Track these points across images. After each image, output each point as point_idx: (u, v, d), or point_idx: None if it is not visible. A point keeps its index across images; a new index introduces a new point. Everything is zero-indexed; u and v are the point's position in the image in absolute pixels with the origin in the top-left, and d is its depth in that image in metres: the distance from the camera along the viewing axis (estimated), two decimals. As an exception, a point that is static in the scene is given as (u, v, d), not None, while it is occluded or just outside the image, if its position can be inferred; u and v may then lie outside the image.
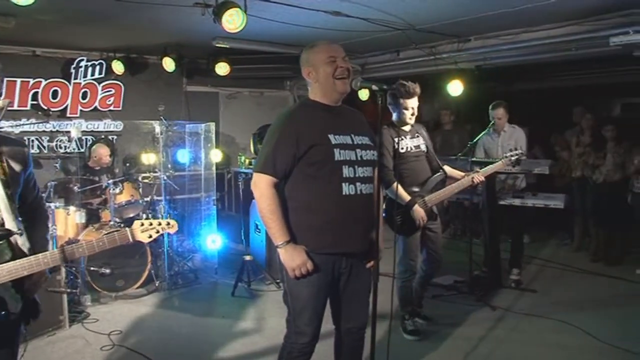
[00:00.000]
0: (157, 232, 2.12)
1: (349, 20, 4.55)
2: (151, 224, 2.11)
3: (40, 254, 1.90)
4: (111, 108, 6.74)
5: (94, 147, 5.63)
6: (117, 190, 5.02)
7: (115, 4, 3.95)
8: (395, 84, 3.66)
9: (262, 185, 2.29)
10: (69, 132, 5.83)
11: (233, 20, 3.88)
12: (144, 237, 2.10)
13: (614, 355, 3.56)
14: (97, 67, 6.54)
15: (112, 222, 4.85)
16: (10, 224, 1.89)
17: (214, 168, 5.96)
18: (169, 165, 5.76)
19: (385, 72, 6.71)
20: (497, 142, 5.08)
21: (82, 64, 6.44)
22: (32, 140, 6.15)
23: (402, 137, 3.73)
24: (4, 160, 1.93)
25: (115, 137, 6.67)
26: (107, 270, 4.50)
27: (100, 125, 6.63)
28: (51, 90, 6.27)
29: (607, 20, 4.32)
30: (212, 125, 5.94)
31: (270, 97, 8.46)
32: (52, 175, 5.28)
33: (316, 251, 2.29)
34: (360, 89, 2.39)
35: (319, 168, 2.28)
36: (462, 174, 3.93)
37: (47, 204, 4.45)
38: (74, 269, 4.55)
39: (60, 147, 6.27)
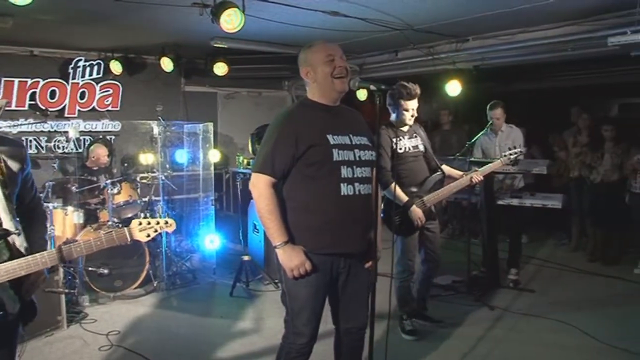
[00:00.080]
0: (156, 231, 2.11)
1: (347, 20, 4.55)
2: (149, 223, 2.10)
3: (38, 254, 1.90)
4: (109, 108, 6.73)
5: (92, 147, 5.61)
6: (115, 191, 5.01)
7: (114, 4, 3.94)
8: (395, 85, 3.65)
9: (260, 186, 2.29)
10: (66, 132, 5.81)
11: (231, 20, 3.87)
12: (142, 236, 2.09)
13: (612, 355, 3.57)
14: (95, 67, 6.53)
15: (110, 223, 4.84)
16: (7, 223, 1.89)
17: (212, 168, 5.95)
18: (167, 166, 5.75)
19: (384, 72, 6.72)
20: (494, 142, 5.09)
21: (80, 64, 6.43)
22: (30, 140, 6.14)
23: (400, 138, 3.72)
24: (1, 160, 1.92)
25: (113, 137, 6.66)
26: (105, 271, 4.50)
27: (98, 126, 6.62)
28: (49, 90, 6.26)
29: (605, 20, 4.32)
30: (210, 126, 5.94)
31: (268, 97, 8.45)
32: (50, 176, 5.27)
33: (314, 251, 2.29)
34: (358, 89, 2.39)
35: (318, 168, 2.28)
36: (461, 173, 3.94)
37: (45, 204, 4.43)
38: (72, 269, 4.55)
39: (58, 147, 6.25)
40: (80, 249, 1.98)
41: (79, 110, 6.50)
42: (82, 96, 6.52)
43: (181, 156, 6.27)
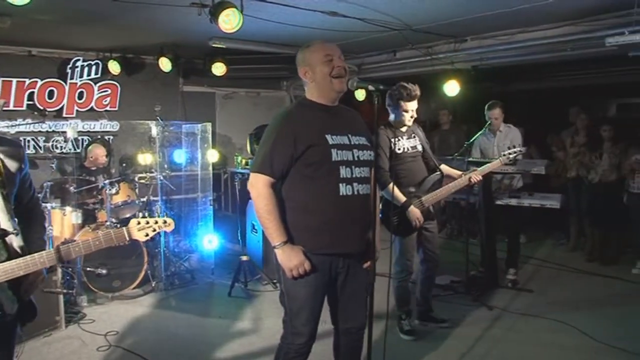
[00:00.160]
0: (154, 230, 2.11)
1: (345, 20, 4.55)
2: (148, 223, 2.10)
3: (36, 254, 1.90)
4: (107, 108, 6.72)
5: (90, 147, 5.61)
6: (114, 191, 5.01)
7: (112, 4, 3.94)
8: (395, 86, 3.65)
9: (259, 186, 2.29)
10: (65, 132, 5.81)
11: (229, 20, 3.87)
12: (140, 236, 2.09)
13: (610, 355, 3.58)
14: (94, 67, 6.52)
15: (108, 223, 4.84)
16: (5, 224, 1.88)
17: (210, 168, 5.95)
18: (166, 166, 5.74)
19: (382, 73, 6.72)
20: (493, 142, 5.09)
21: (79, 64, 6.42)
22: (28, 141, 6.14)
23: (399, 138, 3.72)
24: (-1, 160, 1.92)
25: (111, 137, 6.66)
26: (104, 271, 4.50)
27: (97, 126, 6.61)
28: (47, 91, 6.26)
29: (603, 20, 4.33)
30: (209, 126, 5.94)
31: (266, 97, 8.45)
32: (48, 176, 5.27)
33: (313, 251, 2.29)
34: (356, 89, 2.39)
35: (316, 169, 2.28)
36: (460, 173, 3.93)
37: (43, 204, 4.43)
38: (70, 269, 4.54)
39: (57, 148, 6.25)
40: (78, 249, 1.97)
41: (77, 111, 6.50)
42: (80, 96, 6.51)
43: (179, 156, 6.27)
